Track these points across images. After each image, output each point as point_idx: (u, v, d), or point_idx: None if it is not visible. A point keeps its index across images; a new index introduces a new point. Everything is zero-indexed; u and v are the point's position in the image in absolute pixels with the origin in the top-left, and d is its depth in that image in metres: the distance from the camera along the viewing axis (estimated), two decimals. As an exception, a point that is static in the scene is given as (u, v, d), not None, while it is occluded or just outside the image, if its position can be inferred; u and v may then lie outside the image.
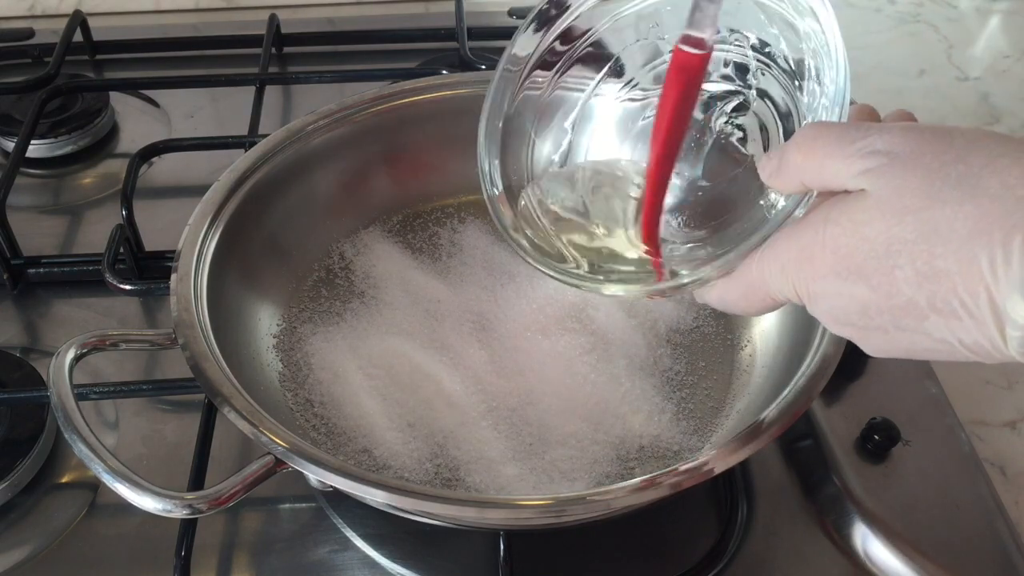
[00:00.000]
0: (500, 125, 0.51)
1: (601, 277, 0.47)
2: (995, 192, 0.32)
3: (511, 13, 0.94)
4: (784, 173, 0.38)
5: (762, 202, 0.44)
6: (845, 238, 0.35)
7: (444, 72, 0.82)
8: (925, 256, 0.33)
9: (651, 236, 0.46)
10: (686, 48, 0.40)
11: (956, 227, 0.32)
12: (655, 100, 0.49)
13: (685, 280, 0.44)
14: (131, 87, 0.89)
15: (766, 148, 0.46)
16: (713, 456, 0.45)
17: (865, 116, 0.41)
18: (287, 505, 0.56)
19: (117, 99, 0.88)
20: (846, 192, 0.36)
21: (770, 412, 0.47)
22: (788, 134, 0.45)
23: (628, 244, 0.49)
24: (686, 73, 0.41)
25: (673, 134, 0.42)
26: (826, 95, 0.41)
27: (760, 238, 0.40)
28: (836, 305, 0.37)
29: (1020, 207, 0.31)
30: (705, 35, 0.40)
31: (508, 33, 0.54)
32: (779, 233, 0.39)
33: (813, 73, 0.42)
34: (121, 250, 0.65)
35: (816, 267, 0.37)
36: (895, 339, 0.36)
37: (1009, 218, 0.31)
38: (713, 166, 0.49)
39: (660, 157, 0.43)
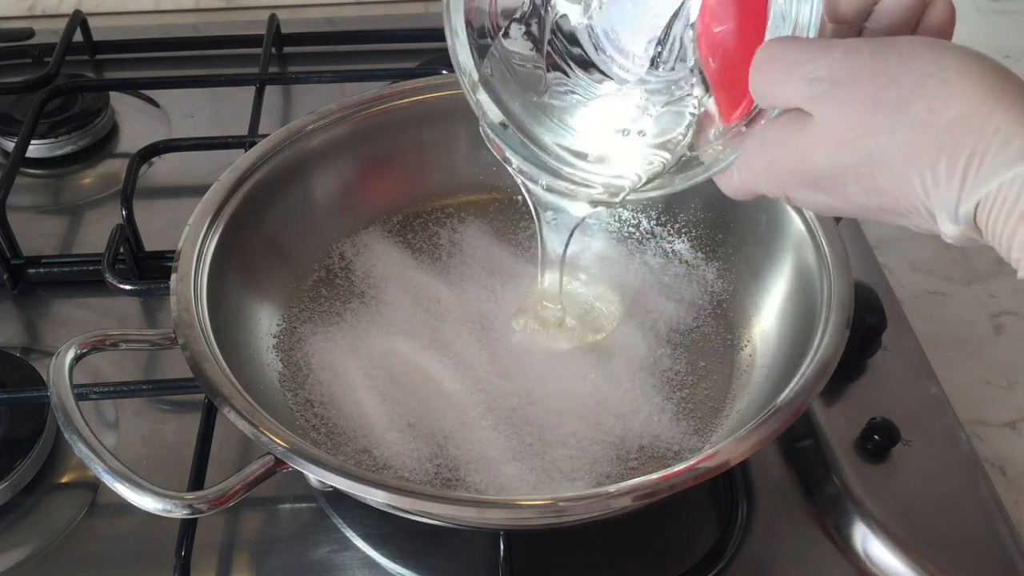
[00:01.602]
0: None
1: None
2: (922, 117, 0.34)
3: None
4: (755, 93, 0.40)
5: None
6: (797, 161, 0.39)
7: (444, 72, 0.82)
8: (867, 177, 0.36)
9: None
10: None
11: (890, 153, 0.35)
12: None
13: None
14: (131, 87, 0.89)
15: None
16: (712, 456, 0.45)
17: None
18: (287, 505, 0.56)
19: (117, 99, 0.88)
20: (800, 111, 0.38)
21: (770, 412, 0.47)
22: None
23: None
24: None
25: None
26: None
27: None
28: (809, 204, 0.42)
29: (945, 132, 0.34)
30: None
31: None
32: (747, 145, 0.42)
33: None
34: (121, 250, 0.65)
35: (782, 180, 0.40)
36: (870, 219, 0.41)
37: (935, 143, 0.34)
38: None
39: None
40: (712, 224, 0.66)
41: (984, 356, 0.67)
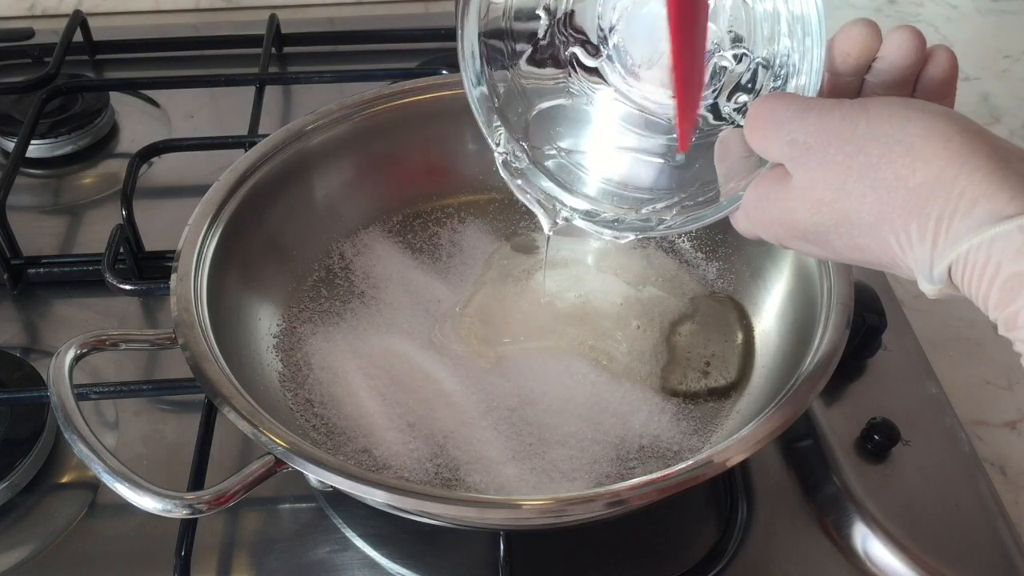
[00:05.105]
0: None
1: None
2: (890, 183, 0.36)
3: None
4: (750, 144, 0.42)
5: None
6: (784, 218, 0.40)
7: (444, 72, 0.82)
8: (847, 236, 0.38)
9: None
10: None
11: (864, 216, 0.37)
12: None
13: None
14: (131, 87, 0.89)
15: None
16: (712, 456, 0.45)
17: (864, 37, 0.41)
18: (287, 505, 0.56)
19: (117, 99, 0.88)
20: (785, 168, 0.40)
21: (770, 412, 0.47)
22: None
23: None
24: None
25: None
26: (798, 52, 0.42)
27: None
28: (804, 253, 0.43)
29: (912, 197, 0.35)
30: None
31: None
32: (746, 196, 0.43)
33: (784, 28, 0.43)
34: (121, 250, 0.65)
35: (775, 232, 0.42)
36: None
37: (904, 207, 0.35)
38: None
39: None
40: (712, 223, 0.66)
41: (984, 356, 0.67)
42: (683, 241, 0.67)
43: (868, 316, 0.60)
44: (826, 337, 0.50)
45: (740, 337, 0.61)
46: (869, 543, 0.53)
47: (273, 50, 0.90)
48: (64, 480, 0.58)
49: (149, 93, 0.89)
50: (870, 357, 0.62)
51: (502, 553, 0.50)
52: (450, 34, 0.90)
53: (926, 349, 0.64)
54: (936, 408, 0.60)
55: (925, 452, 0.58)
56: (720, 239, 0.66)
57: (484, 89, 0.51)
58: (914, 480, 0.56)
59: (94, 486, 0.57)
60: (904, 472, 0.57)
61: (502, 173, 0.52)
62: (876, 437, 0.57)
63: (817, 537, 0.55)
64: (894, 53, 0.40)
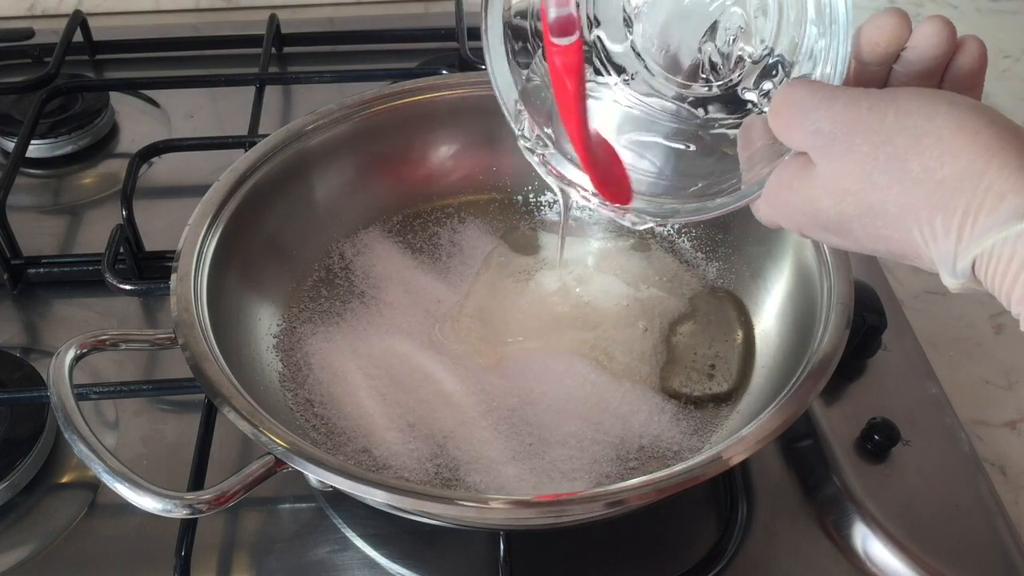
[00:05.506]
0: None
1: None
2: (917, 175, 0.35)
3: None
4: (774, 131, 0.41)
5: None
6: (807, 207, 0.40)
7: (444, 72, 0.82)
8: (870, 226, 0.38)
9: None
10: (558, 42, 0.40)
11: (888, 207, 0.37)
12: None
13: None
14: (131, 87, 0.89)
15: None
16: (712, 456, 0.45)
17: (893, 27, 0.40)
18: (287, 505, 0.56)
19: (117, 99, 0.88)
20: (809, 157, 0.39)
21: (770, 412, 0.47)
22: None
23: None
24: (569, 70, 0.41)
25: (580, 120, 0.43)
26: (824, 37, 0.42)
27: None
28: (824, 242, 0.44)
29: (939, 189, 0.35)
30: (569, 9, 0.39)
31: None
32: (768, 184, 0.42)
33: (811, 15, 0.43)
34: (121, 250, 0.65)
35: (796, 221, 0.42)
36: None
37: (930, 200, 0.35)
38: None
39: (577, 136, 0.44)
40: (712, 223, 0.66)
41: (984, 356, 0.67)
42: (683, 241, 0.67)
43: (868, 316, 0.60)
44: (826, 337, 0.50)
45: (740, 336, 0.61)
46: (869, 543, 0.53)
47: (273, 50, 0.90)
48: (64, 480, 0.58)
49: (149, 93, 0.89)
50: (870, 357, 0.62)
51: (502, 553, 0.50)
52: (450, 34, 0.91)
53: (926, 349, 0.64)
54: (936, 408, 0.60)
55: (925, 452, 0.58)
56: (720, 239, 0.66)
57: (508, 75, 0.51)
58: (914, 480, 0.56)
59: (94, 486, 0.57)
60: (904, 472, 0.57)
61: (527, 157, 0.52)
62: (876, 437, 0.57)
63: (817, 537, 0.55)
64: (924, 43, 0.40)
